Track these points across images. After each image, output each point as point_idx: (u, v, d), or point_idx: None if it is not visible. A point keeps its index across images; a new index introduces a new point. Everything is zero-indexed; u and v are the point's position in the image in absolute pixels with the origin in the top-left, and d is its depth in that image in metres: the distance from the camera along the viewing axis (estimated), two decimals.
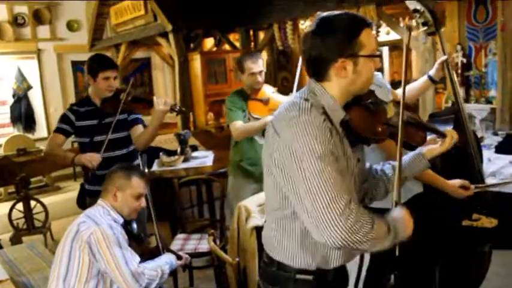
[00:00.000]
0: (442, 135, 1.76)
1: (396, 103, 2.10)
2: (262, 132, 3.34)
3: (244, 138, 3.40)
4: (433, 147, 1.75)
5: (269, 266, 1.59)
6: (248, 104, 3.37)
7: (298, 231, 1.47)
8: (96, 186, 2.69)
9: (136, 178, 2.33)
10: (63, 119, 3.06)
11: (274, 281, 1.58)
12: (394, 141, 1.60)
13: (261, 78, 3.36)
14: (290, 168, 1.35)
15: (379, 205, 1.78)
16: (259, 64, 3.35)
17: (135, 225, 2.44)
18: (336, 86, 1.44)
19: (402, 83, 1.72)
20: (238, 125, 3.33)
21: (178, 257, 2.51)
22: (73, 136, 3.14)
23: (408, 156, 1.72)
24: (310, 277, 1.50)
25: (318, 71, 1.44)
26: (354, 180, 1.50)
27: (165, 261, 2.33)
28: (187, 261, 2.64)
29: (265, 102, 3.36)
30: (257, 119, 3.35)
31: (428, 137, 1.80)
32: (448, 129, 1.80)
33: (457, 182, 2.07)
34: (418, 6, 2.16)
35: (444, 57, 2.31)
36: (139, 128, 3.11)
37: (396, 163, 1.60)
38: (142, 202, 2.37)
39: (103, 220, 2.16)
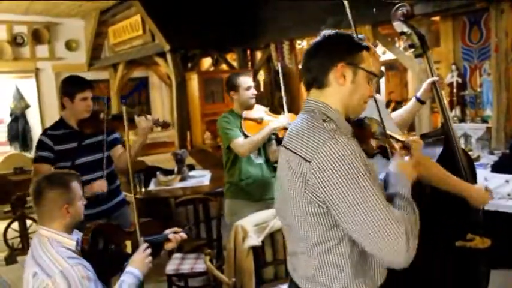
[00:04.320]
0: (406, 147, 1.66)
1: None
2: (258, 151, 3.35)
3: (251, 152, 3.24)
4: (403, 162, 1.58)
5: None
6: (242, 124, 3.28)
7: (348, 262, 1.41)
8: (88, 210, 2.38)
9: (71, 183, 2.06)
10: (42, 145, 2.91)
11: None
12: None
13: (255, 92, 3.34)
14: (337, 192, 1.30)
15: None
16: (251, 79, 3.37)
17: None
18: (336, 95, 1.45)
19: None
20: (242, 141, 3.19)
21: (168, 240, 2.24)
22: None
23: (387, 175, 1.61)
24: None
25: (318, 76, 1.46)
26: None
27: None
28: (181, 238, 2.28)
29: (259, 121, 3.30)
30: None
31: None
32: (411, 138, 1.71)
33: (481, 184, 2.03)
34: (405, 29, 2.18)
35: (431, 79, 2.25)
36: (118, 149, 3.11)
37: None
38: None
39: (54, 267, 1.88)
